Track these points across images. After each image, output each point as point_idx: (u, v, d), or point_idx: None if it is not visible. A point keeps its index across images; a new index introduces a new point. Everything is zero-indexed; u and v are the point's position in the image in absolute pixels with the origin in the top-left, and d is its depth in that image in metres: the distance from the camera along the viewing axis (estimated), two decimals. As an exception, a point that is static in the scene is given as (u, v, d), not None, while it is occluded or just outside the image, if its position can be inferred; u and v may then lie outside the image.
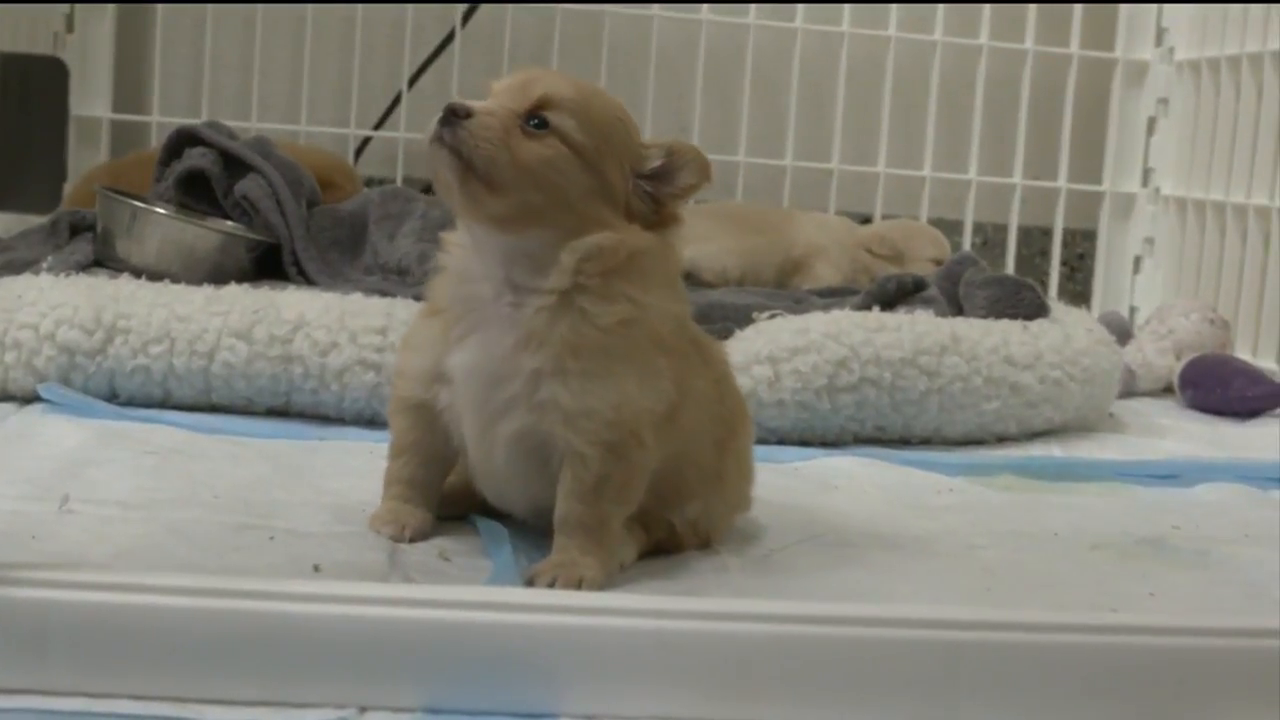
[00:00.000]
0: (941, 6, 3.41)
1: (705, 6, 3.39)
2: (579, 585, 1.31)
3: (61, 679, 1.05)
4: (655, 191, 1.39)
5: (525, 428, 1.37)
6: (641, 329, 1.37)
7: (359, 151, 3.41)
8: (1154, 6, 3.42)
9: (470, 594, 1.12)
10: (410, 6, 3.35)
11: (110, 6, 3.27)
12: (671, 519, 1.49)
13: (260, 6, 3.33)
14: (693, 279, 2.85)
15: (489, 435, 1.40)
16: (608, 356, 1.35)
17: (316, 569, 1.33)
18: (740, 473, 1.56)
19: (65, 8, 3.18)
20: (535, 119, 1.34)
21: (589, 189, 1.36)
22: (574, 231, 1.35)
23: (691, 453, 1.45)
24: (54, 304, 2.02)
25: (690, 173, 1.39)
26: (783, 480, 1.85)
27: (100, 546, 1.36)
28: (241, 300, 2.06)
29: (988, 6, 3.41)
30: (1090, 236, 3.60)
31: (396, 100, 3.39)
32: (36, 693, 1.05)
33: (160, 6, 3.32)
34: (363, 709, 1.06)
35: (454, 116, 1.32)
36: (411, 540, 1.45)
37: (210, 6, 3.32)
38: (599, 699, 1.08)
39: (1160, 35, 3.43)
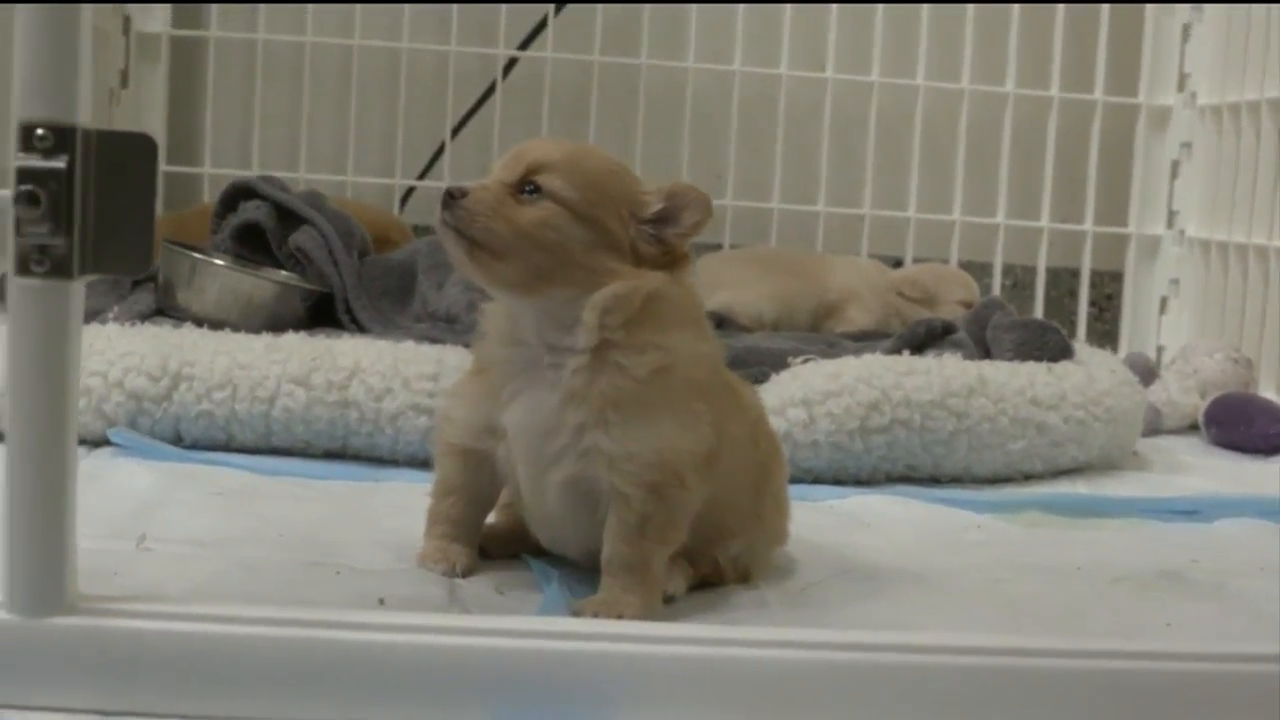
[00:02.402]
0: (968, 56, 3.47)
1: (738, 58, 3.46)
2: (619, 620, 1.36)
3: (157, 703, 1.13)
4: (661, 234, 1.43)
5: (574, 475, 1.43)
6: (676, 375, 1.42)
7: (404, 200, 3.49)
8: (1176, 53, 3.45)
9: (529, 624, 1.20)
10: (452, 58, 3.42)
11: (162, 61, 3.37)
12: (716, 555, 1.54)
13: (307, 60, 3.43)
14: (729, 323, 2.90)
15: (541, 483, 1.46)
16: (646, 404, 1.40)
17: (381, 602, 1.40)
18: (777, 509, 1.61)
19: (119, 64, 3.28)
20: (528, 185, 1.41)
21: (589, 242, 1.41)
22: (588, 286, 1.40)
23: (729, 496, 1.50)
24: (121, 352, 2.10)
25: (693, 211, 1.43)
26: (817, 518, 1.90)
27: (178, 582, 1.43)
28: (300, 348, 2.14)
29: (1013, 55, 3.47)
30: (1117, 278, 3.62)
31: (440, 150, 3.47)
32: (135, 715, 1.12)
33: (211, 60, 3.41)
34: (432, 730, 1.14)
35: (451, 199, 1.40)
36: (462, 576, 1.52)
37: (259, 60, 3.42)
38: (649, 721, 1.15)
39: (1183, 81, 3.46)
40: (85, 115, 1.08)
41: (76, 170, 1.07)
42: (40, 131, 1.06)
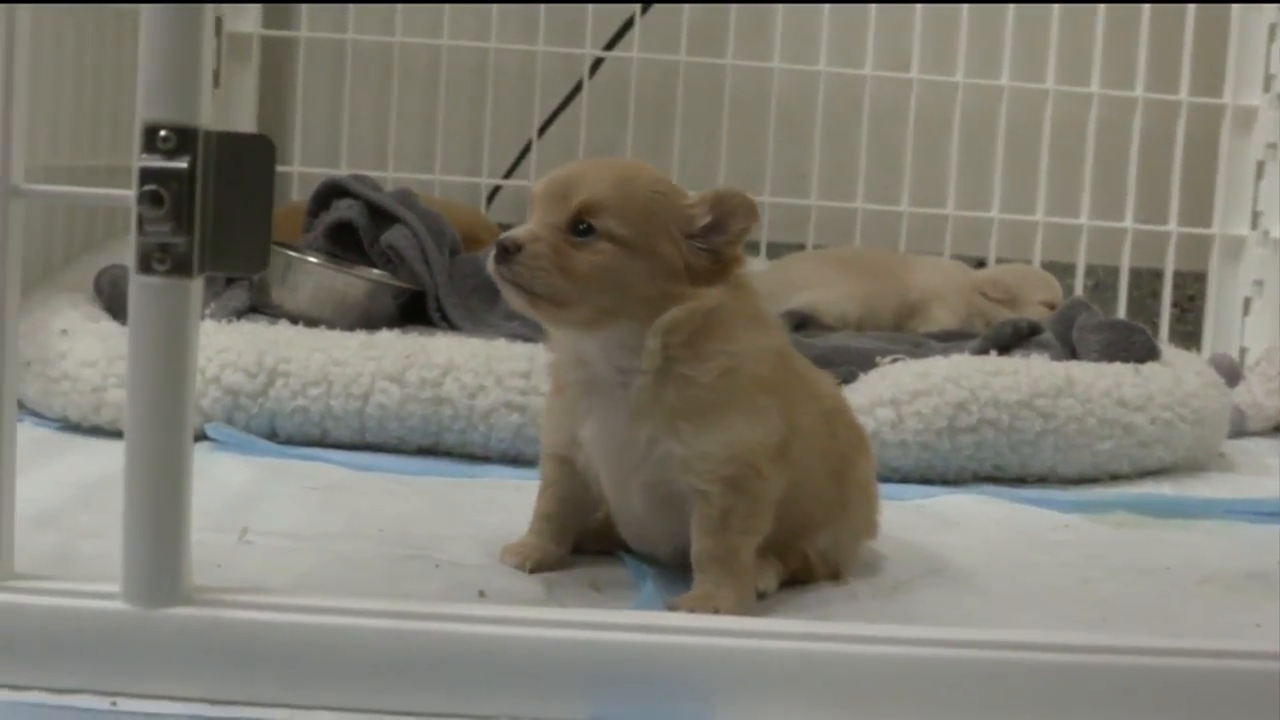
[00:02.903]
0: (1053, 56, 3.47)
1: (823, 58, 3.46)
2: (715, 614, 1.37)
3: (269, 692, 1.15)
4: (710, 244, 1.43)
5: (652, 480, 1.46)
6: (741, 374, 1.43)
7: (490, 199, 3.51)
8: (1262, 53, 3.42)
9: (629, 618, 1.21)
10: (539, 57, 3.44)
11: (253, 61, 3.42)
12: (805, 549, 1.56)
13: (395, 60, 3.46)
14: (813, 323, 2.92)
15: (624, 489, 1.50)
16: (714, 407, 1.43)
17: (482, 594, 1.43)
18: (864, 501, 1.62)
19: (212, 64, 3.31)
20: (580, 225, 1.40)
21: (648, 273, 1.41)
22: (650, 314, 1.41)
23: (806, 484, 1.51)
24: (219, 349, 2.13)
25: (739, 218, 1.43)
26: (906, 517, 1.91)
27: (280, 574, 1.46)
28: (394, 346, 2.17)
29: (1098, 55, 3.46)
30: (1200, 279, 3.60)
31: (527, 149, 3.50)
32: (247, 704, 1.15)
33: (301, 60, 3.45)
34: (536, 720, 1.16)
35: (505, 254, 1.39)
36: (532, 571, 1.54)
37: (348, 60, 3.46)
38: (746, 714, 1.16)
39: (1268, 81, 3.42)
40: (207, 117, 1.11)
41: (198, 170, 1.10)
42: (164, 133, 1.09)
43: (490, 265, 1.41)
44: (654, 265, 1.41)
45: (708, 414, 1.42)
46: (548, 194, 1.43)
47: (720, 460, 1.42)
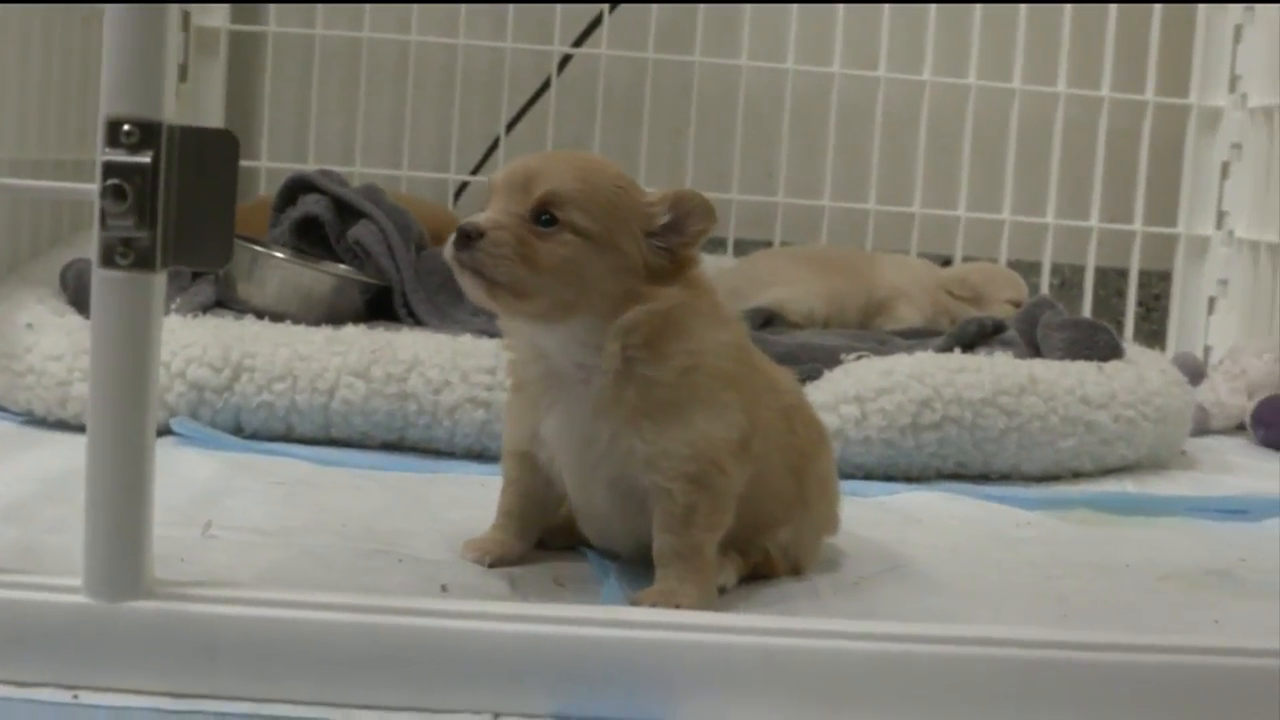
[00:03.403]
0: (1020, 56, 3.48)
1: (791, 56, 3.48)
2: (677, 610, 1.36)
3: (231, 685, 1.16)
4: (667, 244, 1.42)
5: (615, 476, 1.46)
6: (702, 371, 1.43)
7: (457, 195, 3.52)
8: (1228, 54, 3.45)
9: (593, 612, 1.22)
10: (508, 53, 3.44)
11: (221, 56, 3.41)
12: (766, 545, 1.56)
13: (364, 56, 3.46)
14: (779, 320, 2.92)
15: (586, 485, 1.49)
16: (676, 404, 1.42)
17: (444, 589, 1.43)
18: (824, 495, 1.62)
19: (179, 58, 3.31)
20: (543, 215, 1.38)
21: (609, 268, 1.40)
22: (609, 310, 1.40)
23: (766, 479, 1.51)
24: (184, 343, 2.13)
25: (697, 219, 1.42)
26: (869, 513, 1.91)
27: (244, 569, 1.46)
28: (359, 341, 2.17)
29: (1065, 55, 3.47)
30: (1165, 278, 3.62)
31: (494, 145, 3.51)
32: (209, 697, 1.15)
33: (269, 55, 3.45)
34: (498, 715, 1.16)
35: (467, 240, 1.37)
36: (491, 566, 1.54)
37: (316, 56, 3.46)
38: (710, 708, 1.17)
39: (1234, 82, 3.45)
40: (170, 112, 1.11)
41: (161, 165, 1.10)
42: (127, 127, 1.09)
43: (449, 251, 1.39)
44: (615, 260, 1.40)
45: (670, 411, 1.42)
46: (509, 183, 1.41)
47: (683, 458, 1.42)
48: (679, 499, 1.42)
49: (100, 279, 1.12)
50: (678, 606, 1.37)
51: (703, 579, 1.45)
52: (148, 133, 1.10)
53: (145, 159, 1.09)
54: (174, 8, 1.10)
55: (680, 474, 1.42)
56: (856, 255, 3.28)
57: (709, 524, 1.45)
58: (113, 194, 1.08)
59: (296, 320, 2.29)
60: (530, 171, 1.41)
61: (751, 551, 1.56)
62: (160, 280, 1.13)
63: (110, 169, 1.09)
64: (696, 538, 1.44)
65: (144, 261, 1.11)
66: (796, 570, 1.59)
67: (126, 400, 1.14)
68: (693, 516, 1.43)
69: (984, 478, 2.23)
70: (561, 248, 1.38)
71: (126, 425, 1.15)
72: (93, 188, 1.10)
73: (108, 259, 1.11)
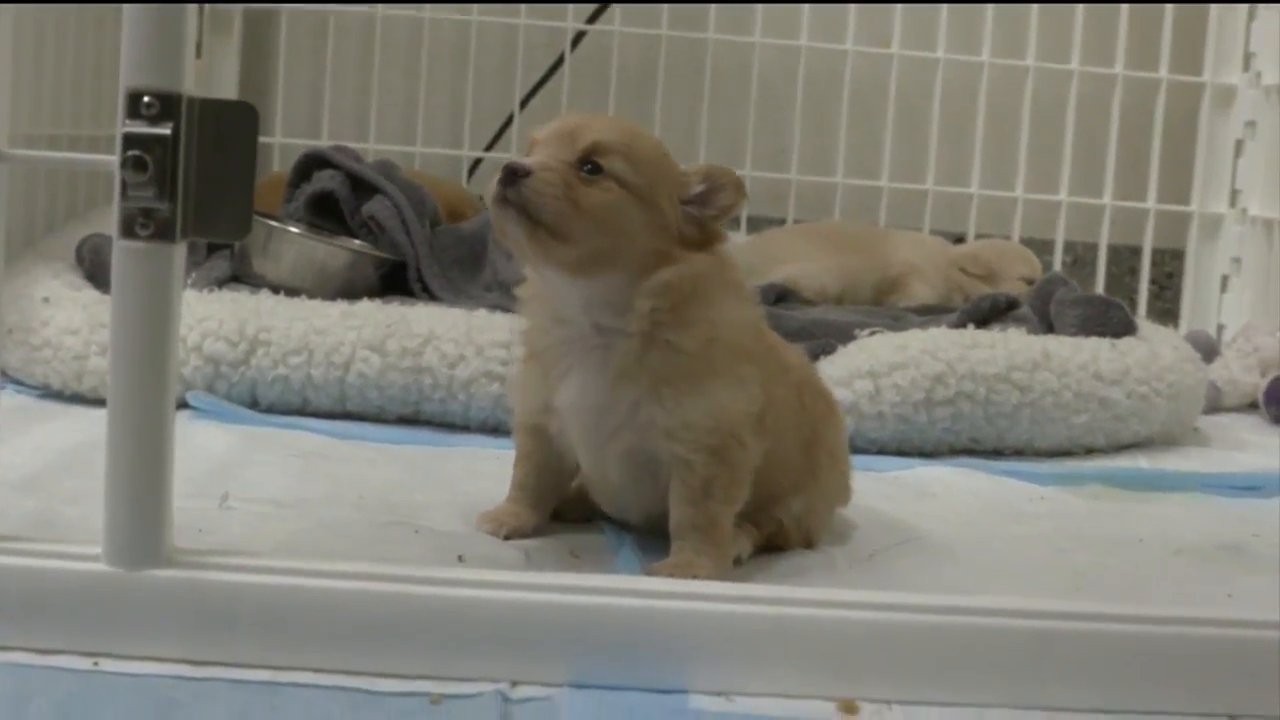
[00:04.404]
0: (1034, 32, 3.47)
1: (804, 34, 3.48)
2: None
3: (249, 653, 1.16)
4: (698, 214, 1.44)
5: (632, 447, 1.46)
6: (723, 344, 1.44)
7: (471, 171, 3.52)
8: (1242, 32, 3.45)
9: (608, 582, 1.22)
10: (522, 30, 3.45)
11: (235, 33, 3.42)
12: (778, 516, 1.57)
13: (378, 32, 3.46)
14: (793, 297, 2.93)
15: (601, 456, 1.49)
16: (697, 375, 1.43)
17: (461, 559, 1.43)
18: (834, 466, 1.63)
19: (194, 34, 3.31)
20: (588, 165, 1.39)
21: (647, 224, 1.41)
22: (640, 269, 1.41)
23: (777, 452, 1.51)
24: (200, 317, 2.14)
25: (728, 194, 1.44)
26: (883, 488, 1.92)
27: (261, 539, 1.47)
28: (375, 315, 2.18)
29: (1079, 32, 3.47)
30: (1179, 256, 3.62)
31: (508, 122, 3.51)
32: (228, 664, 1.16)
33: (283, 32, 3.45)
34: (514, 683, 1.16)
35: (514, 176, 1.37)
36: (506, 538, 1.54)
37: (330, 32, 3.46)
38: (726, 677, 1.18)
39: (1248, 60, 3.44)
40: (190, 84, 1.11)
41: (181, 137, 1.10)
42: (147, 99, 1.09)
43: (491, 190, 1.38)
44: (653, 217, 1.41)
45: (692, 381, 1.43)
46: (556, 134, 1.42)
47: (704, 429, 1.42)
48: (699, 471, 1.43)
49: (121, 250, 1.12)
50: (694, 578, 1.37)
51: (719, 551, 1.45)
52: (168, 104, 1.10)
53: (165, 130, 1.10)
54: (193, -22, 1.11)
55: (701, 446, 1.43)
56: (870, 232, 3.28)
57: (727, 497, 1.45)
58: (133, 165, 1.09)
59: (312, 295, 2.30)
60: (577, 124, 1.42)
61: (765, 522, 1.57)
62: (180, 251, 1.13)
63: (131, 140, 1.09)
64: (714, 510, 1.45)
65: (164, 232, 1.11)
66: (808, 540, 1.60)
67: (147, 369, 1.14)
68: (711, 489, 1.44)
69: (998, 453, 2.23)
70: (606, 194, 1.39)
71: (147, 394, 1.15)
72: (113, 159, 1.11)
73: (128, 230, 1.11)
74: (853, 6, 3.46)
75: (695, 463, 1.43)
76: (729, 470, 1.44)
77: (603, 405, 1.45)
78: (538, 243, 1.39)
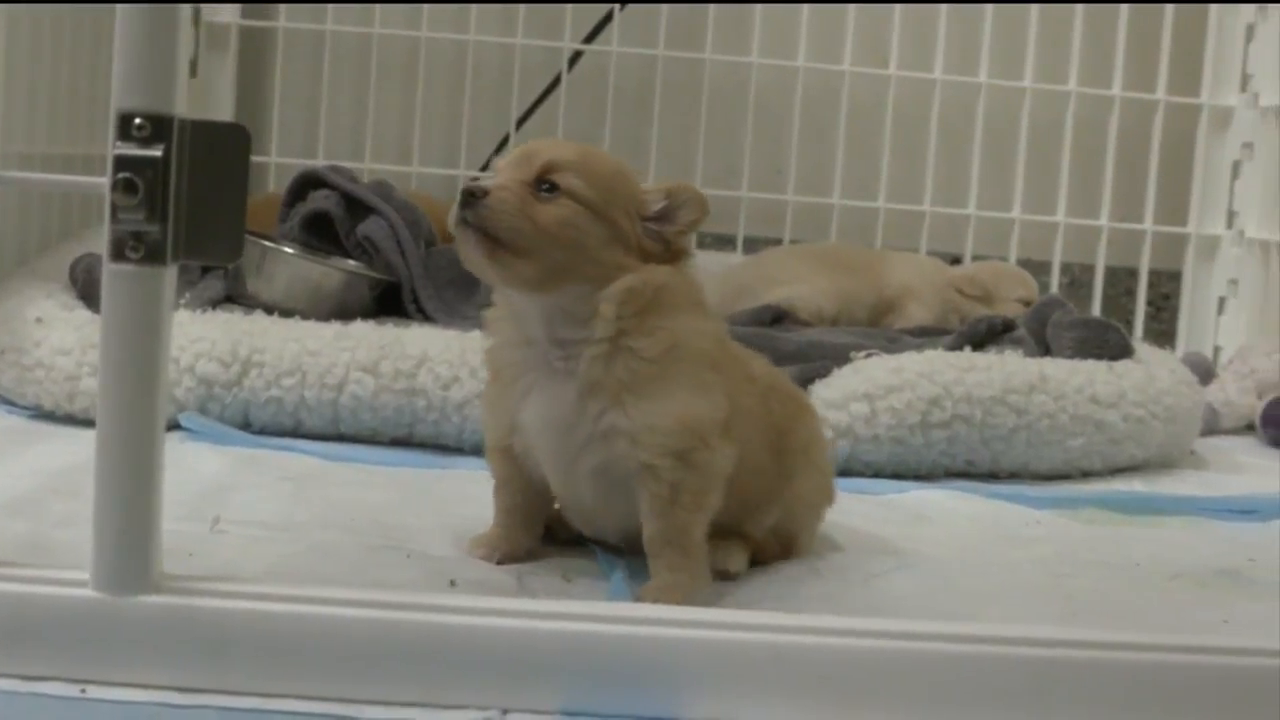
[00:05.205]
0: (1031, 54, 3.47)
1: (802, 54, 3.47)
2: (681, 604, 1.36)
3: (238, 680, 1.15)
4: (661, 231, 1.46)
5: (602, 462, 1.45)
6: (686, 350, 1.44)
7: (467, 191, 3.51)
8: (1239, 53, 3.45)
9: (600, 609, 1.22)
10: (518, 49, 3.45)
11: (231, 52, 3.42)
12: (760, 527, 1.58)
13: (374, 52, 3.46)
14: (789, 318, 2.92)
15: (571, 474, 1.49)
16: (660, 380, 1.43)
17: (453, 584, 1.43)
18: (808, 466, 1.62)
19: (189, 53, 3.31)
20: (545, 184, 1.41)
21: (604, 238, 1.43)
22: (600, 281, 1.43)
23: (747, 462, 1.51)
24: (193, 338, 2.13)
25: (690, 210, 1.46)
26: (878, 511, 1.92)
27: (252, 563, 1.46)
28: (368, 336, 2.17)
29: (1076, 53, 3.47)
30: (1175, 277, 3.62)
31: (504, 142, 3.50)
32: (217, 692, 1.15)
33: (279, 51, 3.45)
34: (505, 710, 1.16)
35: (472, 198, 1.39)
36: (499, 563, 1.55)
37: (327, 52, 3.45)
38: (720, 704, 1.17)
39: (1245, 81, 3.45)
40: (181, 106, 1.11)
41: (172, 159, 1.10)
42: (138, 121, 1.09)
43: (453, 214, 1.41)
44: (610, 231, 1.43)
45: (653, 387, 1.43)
46: (513, 159, 1.45)
47: (667, 433, 1.42)
48: (664, 477, 1.43)
49: (111, 273, 1.12)
50: (680, 600, 1.38)
51: (694, 564, 1.46)
52: (159, 126, 1.09)
53: (156, 152, 1.09)
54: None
55: (666, 450, 1.42)
56: (866, 253, 3.28)
57: (696, 504, 1.45)
58: (124, 187, 1.08)
59: (305, 315, 2.29)
60: (535, 148, 1.46)
61: (753, 533, 1.58)
62: (171, 274, 1.13)
63: (121, 162, 1.09)
64: (683, 519, 1.45)
65: (154, 255, 1.11)
66: (788, 549, 1.61)
67: (136, 394, 1.14)
68: (679, 496, 1.44)
69: (993, 476, 2.23)
70: (561, 209, 1.41)
71: (136, 419, 1.14)
72: (104, 181, 1.10)
73: (118, 253, 1.11)
74: (850, 27, 3.46)
75: (661, 468, 1.43)
76: (696, 475, 1.44)
77: (569, 421, 1.45)
78: (497, 261, 1.41)
